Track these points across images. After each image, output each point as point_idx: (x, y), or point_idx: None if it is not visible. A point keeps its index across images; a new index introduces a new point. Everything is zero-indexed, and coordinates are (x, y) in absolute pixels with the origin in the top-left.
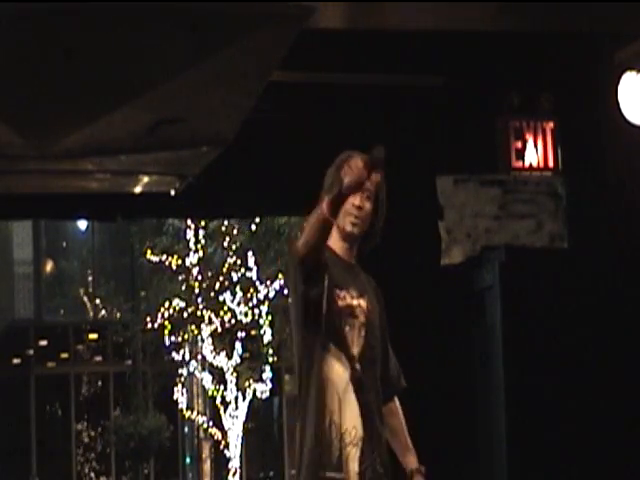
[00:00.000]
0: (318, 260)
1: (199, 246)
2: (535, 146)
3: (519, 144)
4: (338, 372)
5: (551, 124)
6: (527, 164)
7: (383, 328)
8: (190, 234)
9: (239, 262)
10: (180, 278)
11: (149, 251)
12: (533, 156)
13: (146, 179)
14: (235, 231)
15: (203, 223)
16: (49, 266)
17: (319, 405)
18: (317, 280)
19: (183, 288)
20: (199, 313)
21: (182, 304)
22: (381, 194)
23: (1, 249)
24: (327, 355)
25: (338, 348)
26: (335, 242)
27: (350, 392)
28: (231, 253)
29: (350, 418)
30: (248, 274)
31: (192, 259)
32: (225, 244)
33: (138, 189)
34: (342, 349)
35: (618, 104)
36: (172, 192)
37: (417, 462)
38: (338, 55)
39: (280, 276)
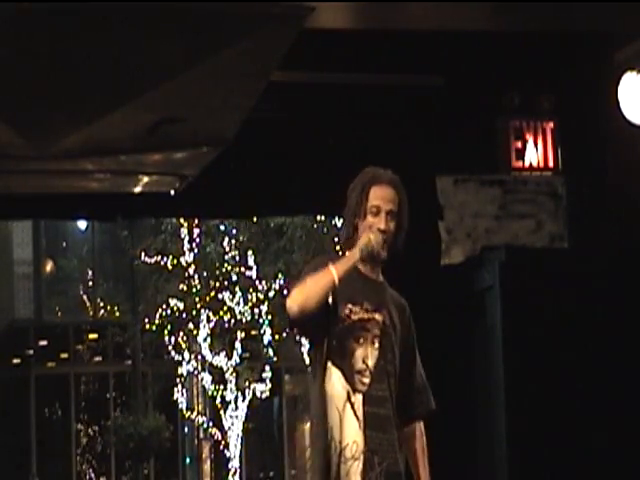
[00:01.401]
0: (314, 320)
1: (194, 245)
2: (535, 146)
3: (519, 144)
4: (338, 388)
5: (551, 124)
6: (527, 164)
7: (408, 347)
8: (184, 232)
9: (238, 261)
10: (178, 278)
11: (143, 253)
12: (533, 156)
13: (146, 179)
14: (234, 230)
15: (197, 221)
16: (49, 266)
17: (321, 421)
18: (316, 326)
19: (180, 287)
20: (198, 313)
21: (180, 304)
22: (404, 211)
23: (1, 249)
24: (328, 372)
25: (340, 365)
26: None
27: (349, 408)
28: (230, 252)
29: (350, 433)
30: (248, 273)
31: (187, 258)
32: (224, 243)
33: (138, 189)
34: (345, 366)
35: (618, 104)
36: (172, 192)
37: None
38: (338, 55)
39: (280, 275)
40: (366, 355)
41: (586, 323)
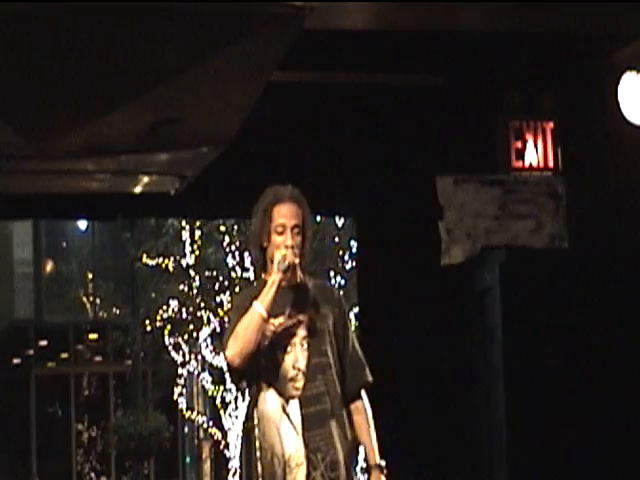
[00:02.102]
0: (253, 363)
1: (195, 247)
2: (535, 146)
3: (519, 144)
4: (273, 407)
5: (551, 124)
6: (527, 164)
7: (342, 328)
8: (186, 235)
9: (236, 262)
10: (178, 279)
11: (145, 255)
12: (533, 156)
13: (146, 179)
14: (235, 231)
15: (198, 223)
16: (49, 266)
17: (260, 442)
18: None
19: (181, 288)
20: (198, 313)
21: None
22: (307, 222)
23: (1, 249)
24: (262, 394)
25: (272, 380)
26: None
27: (285, 420)
28: (230, 253)
29: (290, 443)
30: (245, 275)
31: (189, 260)
32: (224, 244)
33: (138, 189)
34: (277, 378)
35: (618, 104)
36: (172, 192)
37: (377, 458)
38: (338, 55)
39: None
40: (296, 360)
41: (586, 323)
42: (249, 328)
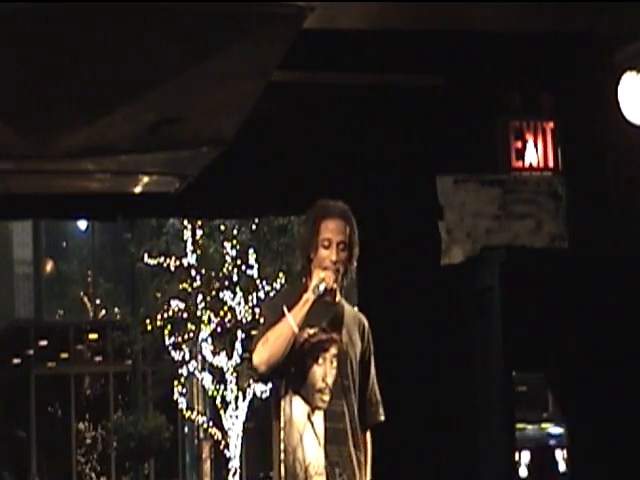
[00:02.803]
0: (279, 368)
1: (197, 246)
2: (535, 146)
3: (519, 144)
4: (298, 412)
5: (551, 124)
6: (527, 164)
7: (366, 362)
8: (187, 234)
9: (239, 261)
10: (179, 279)
11: (146, 255)
12: (533, 156)
13: (146, 179)
14: (235, 231)
15: (200, 223)
16: (49, 266)
17: (285, 445)
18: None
19: (181, 287)
20: (199, 313)
21: (181, 305)
22: (354, 240)
23: (1, 249)
24: (289, 398)
25: (300, 388)
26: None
27: (309, 429)
28: (232, 251)
29: (311, 451)
30: (249, 272)
31: (190, 259)
32: (225, 242)
33: (138, 189)
34: (305, 387)
35: (618, 104)
36: (172, 192)
37: None
38: (338, 55)
39: (281, 275)
40: (325, 374)
41: (586, 323)
42: (279, 339)
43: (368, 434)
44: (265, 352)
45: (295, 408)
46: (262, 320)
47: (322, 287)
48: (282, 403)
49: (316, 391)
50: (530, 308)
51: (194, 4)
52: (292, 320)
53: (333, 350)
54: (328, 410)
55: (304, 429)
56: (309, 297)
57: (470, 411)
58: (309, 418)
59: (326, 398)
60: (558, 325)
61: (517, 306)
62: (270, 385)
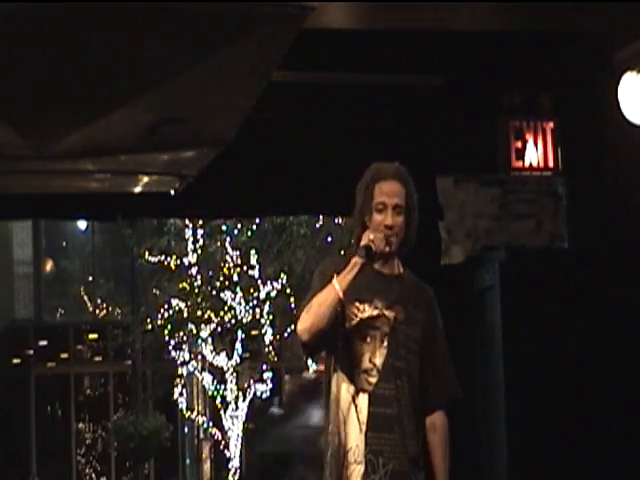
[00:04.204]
0: (323, 338)
1: (198, 245)
2: (535, 146)
3: (519, 144)
4: (343, 392)
5: (551, 124)
6: (527, 164)
7: (428, 338)
8: (189, 233)
9: (239, 261)
10: (180, 278)
11: (147, 253)
12: (533, 156)
13: (146, 179)
14: (236, 231)
15: (201, 222)
16: (49, 266)
17: (331, 426)
18: (325, 343)
19: (181, 286)
20: (199, 313)
21: (182, 304)
22: (412, 202)
23: (1, 249)
24: (336, 375)
25: (346, 366)
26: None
27: (353, 411)
28: (232, 251)
29: (353, 437)
30: (250, 272)
31: (191, 258)
32: (226, 243)
33: (138, 189)
34: (351, 366)
35: (618, 104)
36: (172, 192)
37: None
38: (338, 55)
39: (282, 275)
40: (373, 354)
41: (586, 323)
42: (323, 305)
43: (441, 417)
44: (308, 319)
45: (342, 389)
46: (309, 288)
47: (363, 251)
48: (331, 381)
49: (362, 372)
50: (530, 308)
51: (194, 4)
52: (337, 285)
53: (385, 329)
54: (374, 393)
55: (348, 412)
56: (356, 260)
57: (470, 411)
58: (354, 400)
59: (372, 380)
60: (558, 325)
61: (517, 306)
62: (311, 362)
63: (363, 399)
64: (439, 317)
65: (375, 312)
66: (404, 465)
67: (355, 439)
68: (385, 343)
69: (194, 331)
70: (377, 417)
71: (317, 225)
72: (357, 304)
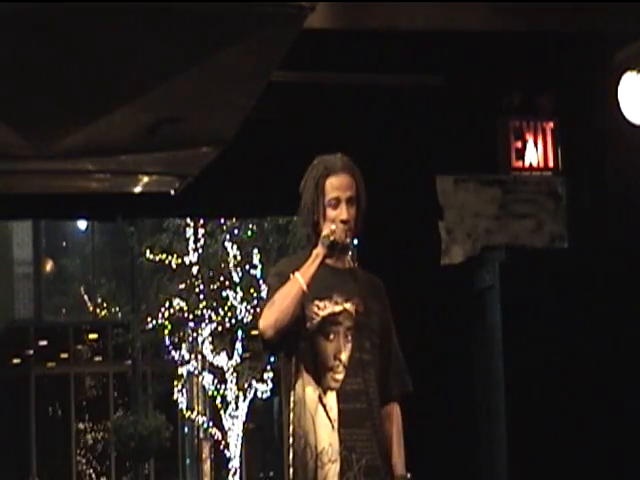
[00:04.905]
0: (286, 335)
1: (199, 244)
2: (535, 146)
3: (519, 144)
4: (309, 393)
5: (551, 124)
6: (527, 164)
7: (385, 329)
8: (190, 232)
9: (241, 260)
10: (181, 277)
11: (148, 250)
12: (533, 156)
13: (146, 179)
14: (236, 230)
15: (202, 221)
16: (49, 266)
17: (294, 428)
18: (288, 340)
19: (183, 286)
20: (200, 312)
21: (183, 303)
22: (361, 192)
23: (1, 249)
24: (300, 376)
25: (311, 366)
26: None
27: (322, 411)
28: (233, 251)
29: (324, 436)
30: (252, 272)
31: (192, 257)
32: (227, 242)
33: (138, 189)
34: (316, 365)
35: (618, 104)
36: (172, 192)
37: (404, 469)
38: (338, 55)
39: None
40: (338, 350)
41: (586, 323)
42: (287, 299)
43: (397, 408)
44: (272, 315)
45: (307, 389)
46: (267, 289)
47: (329, 239)
48: (292, 382)
49: (327, 370)
50: (530, 308)
51: (194, 4)
52: (300, 278)
53: (347, 323)
54: (342, 390)
55: (316, 412)
56: (319, 251)
57: (470, 412)
58: (321, 400)
59: (339, 377)
60: (558, 325)
61: (517, 306)
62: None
63: (331, 397)
64: (389, 309)
65: (337, 308)
66: (376, 459)
67: (327, 438)
68: (349, 337)
69: (195, 331)
70: (347, 413)
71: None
72: (317, 302)
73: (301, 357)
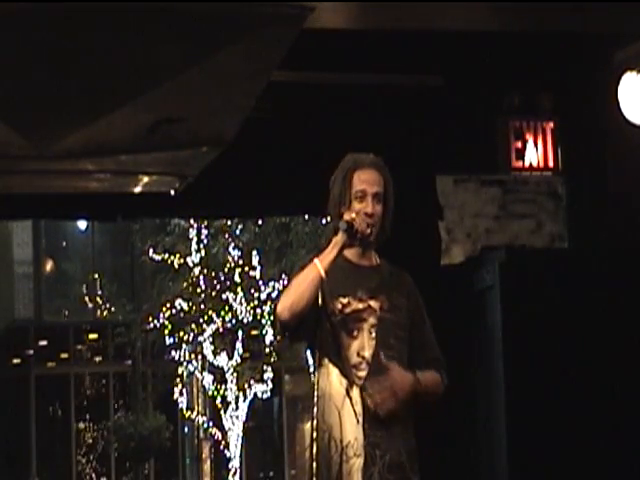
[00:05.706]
0: (304, 322)
1: (201, 245)
2: (535, 146)
3: (519, 144)
4: (336, 386)
5: (551, 124)
6: (527, 164)
7: (415, 322)
8: (193, 233)
9: (241, 261)
10: (182, 277)
11: (151, 250)
12: (533, 156)
13: (146, 179)
14: (238, 231)
15: (206, 222)
16: (49, 266)
17: (318, 422)
18: (308, 326)
19: (184, 286)
20: (201, 313)
21: (184, 304)
22: (389, 192)
23: (1, 249)
24: (325, 369)
25: (336, 361)
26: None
27: (348, 405)
28: (234, 252)
29: (351, 431)
30: (252, 273)
31: (194, 258)
32: (228, 243)
33: (138, 189)
34: (340, 361)
35: (618, 104)
36: (172, 192)
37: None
38: (338, 55)
39: (283, 276)
40: (362, 347)
41: (586, 323)
42: (303, 283)
43: (434, 374)
44: (288, 298)
45: (334, 382)
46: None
47: (344, 224)
48: (317, 375)
49: (351, 366)
50: (530, 308)
51: (194, 4)
52: (318, 263)
53: (372, 320)
54: (365, 387)
55: (343, 406)
56: (337, 239)
57: (470, 412)
58: (348, 393)
59: (362, 374)
60: (558, 325)
61: (517, 306)
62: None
63: (357, 391)
64: (421, 300)
65: (361, 305)
66: (399, 455)
67: (352, 432)
68: (373, 335)
69: (195, 331)
70: (371, 410)
71: (323, 221)
72: (341, 299)
73: (327, 352)
